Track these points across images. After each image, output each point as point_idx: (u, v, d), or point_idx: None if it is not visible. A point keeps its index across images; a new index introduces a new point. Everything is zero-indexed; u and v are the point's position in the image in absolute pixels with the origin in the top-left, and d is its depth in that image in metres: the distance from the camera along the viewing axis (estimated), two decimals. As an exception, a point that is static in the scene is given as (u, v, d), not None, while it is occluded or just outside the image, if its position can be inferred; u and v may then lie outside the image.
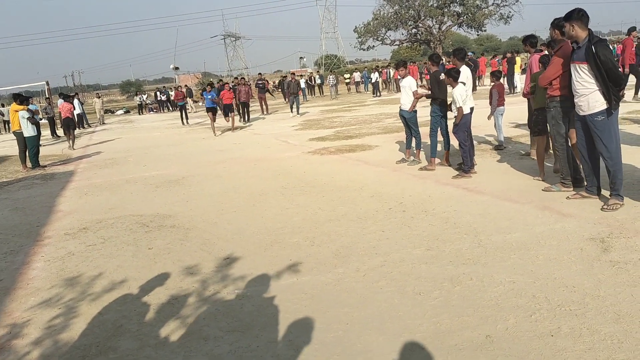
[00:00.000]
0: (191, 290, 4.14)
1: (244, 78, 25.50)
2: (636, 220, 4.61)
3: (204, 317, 3.64)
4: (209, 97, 18.07)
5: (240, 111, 21.31)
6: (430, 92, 7.85)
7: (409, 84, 8.32)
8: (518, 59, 21.06)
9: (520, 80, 19.91)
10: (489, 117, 8.97)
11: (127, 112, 41.30)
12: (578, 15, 4.95)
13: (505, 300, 3.39)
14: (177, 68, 61.99)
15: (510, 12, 43.71)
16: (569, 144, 5.78)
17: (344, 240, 4.99)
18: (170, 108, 37.13)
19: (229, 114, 18.07)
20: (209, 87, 19.31)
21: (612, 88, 4.82)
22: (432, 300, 3.52)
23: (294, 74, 27.78)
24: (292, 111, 21.20)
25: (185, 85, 37.79)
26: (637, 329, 2.86)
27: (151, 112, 36.74)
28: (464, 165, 7.26)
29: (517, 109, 12.71)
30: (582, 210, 5.09)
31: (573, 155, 5.81)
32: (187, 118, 22.77)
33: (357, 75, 37.65)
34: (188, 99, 33.42)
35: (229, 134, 16.71)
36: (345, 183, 7.54)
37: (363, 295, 3.72)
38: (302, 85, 32.33)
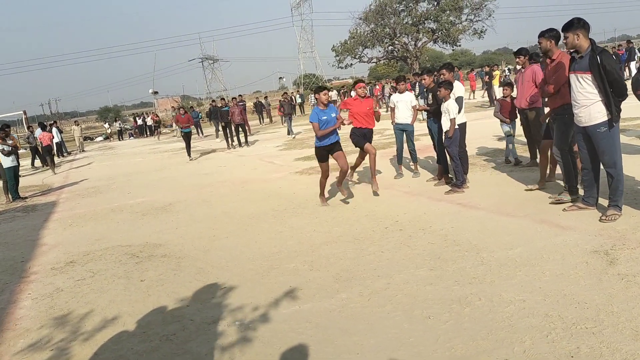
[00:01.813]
0: (189, 324, 3.96)
1: (235, 98, 22.30)
2: (636, 230, 4.58)
3: (206, 353, 3.47)
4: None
5: (233, 134, 18.54)
6: (429, 106, 7.84)
7: (409, 99, 8.40)
8: (496, 73, 21.35)
9: (499, 93, 20.14)
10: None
11: (106, 138, 40.85)
12: (581, 24, 4.87)
13: (518, 321, 3.30)
14: (156, 92, 61.60)
15: (483, 26, 44.54)
16: (572, 153, 5.76)
17: (343, 263, 4.87)
18: (148, 133, 36.81)
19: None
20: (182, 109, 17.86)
21: (614, 99, 4.80)
22: (443, 324, 3.41)
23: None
24: (289, 134, 20.12)
25: (153, 112, 37.60)
26: (658, 346, 2.79)
27: (131, 138, 36.40)
28: (457, 180, 7.23)
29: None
30: (580, 222, 5.05)
31: (574, 164, 5.80)
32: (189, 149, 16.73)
33: (333, 94, 37.72)
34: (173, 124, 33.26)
35: (213, 157, 16.53)
36: (337, 202, 7.43)
37: (370, 322, 3.60)
38: (299, 99, 32.50)
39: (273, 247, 5.67)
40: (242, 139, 18.79)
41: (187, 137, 16.44)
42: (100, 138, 41.62)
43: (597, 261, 4.05)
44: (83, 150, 28.67)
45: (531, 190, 6.48)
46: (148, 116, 35.29)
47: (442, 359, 3.00)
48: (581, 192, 5.54)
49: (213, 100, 21.39)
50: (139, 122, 36.82)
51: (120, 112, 72.85)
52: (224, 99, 20.72)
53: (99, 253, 6.34)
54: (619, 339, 2.92)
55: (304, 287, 4.38)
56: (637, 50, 24.46)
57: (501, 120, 8.49)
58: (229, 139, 18.61)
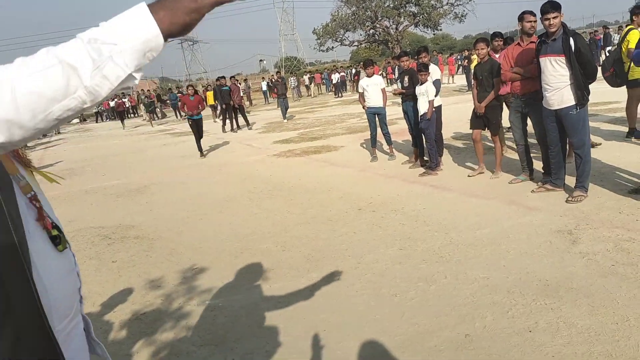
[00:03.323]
0: (159, 304, 3.98)
1: (233, 77, 19.82)
2: (601, 210, 4.71)
3: (174, 332, 3.49)
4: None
5: (230, 116, 17.31)
6: (405, 89, 7.83)
7: (378, 81, 8.42)
8: (474, 57, 21.47)
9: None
10: None
11: (83, 120, 40.10)
12: (559, 5, 4.87)
13: (481, 297, 3.39)
14: (133, 74, 60.38)
15: (464, 11, 44.71)
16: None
17: (315, 243, 4.91)
18: (131, 115, 36.29)
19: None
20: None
21: (586, 81, 4.88)
22: (409, 301, 3.48)
23: (231, 77, 19.79)
24: (285, 118, 18.49)
25: (137, 92, 36.45)
26: (612, 320, 2.89)
27: (108, 120, 35.83)
28: (431, 162, 7.30)
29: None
30: (547, 203, 5.17)
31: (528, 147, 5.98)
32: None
33: (306, 78, 37.37)
34: (141, 105, 32.54)
35: (191, 139, 16.37)
36: (313, 185, 7.46)
37: (338, 300, 3.65)
38: (293, 83, 31.58)
39: (247, 228, 5.69)
40: (242, 122, 17.56)
41: (197, 126, 12.02)
42: (76, 120, 40.83)
43: (560, 240, 4.15)
44: (58, 132, 28.10)
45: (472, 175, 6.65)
46: (125, 97, 34.56)
47: (405, 335, 3.07)
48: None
49: (218, 79, 18.14)
50: (112, 103, 36.04)
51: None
52: (223, 78, 17.87)
53: (71, 234, 6.27)
54: (575, 314, 3.02)
55: (276, 267, 4.42)
56: (613, 36, 24.78)
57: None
58: (232, 121, 17.21)
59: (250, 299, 3.85)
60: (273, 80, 38.37)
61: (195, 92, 12.78)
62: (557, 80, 4.97)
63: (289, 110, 19.47)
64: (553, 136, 5.26)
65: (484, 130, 6.56)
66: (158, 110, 29.85)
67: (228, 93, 17.12)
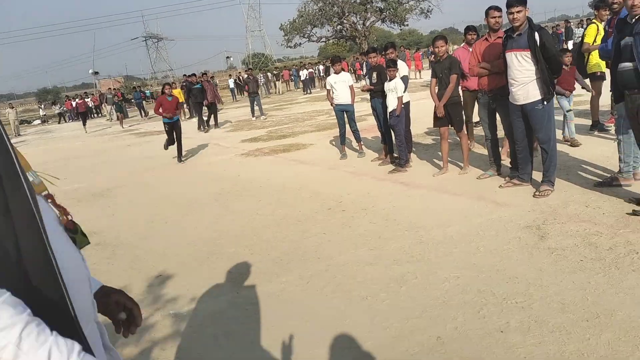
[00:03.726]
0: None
1: (205, 74, 19.60)
2: (567, 205, 4.73)
3: (137, 347, 3.33)
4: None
5: (201, 115, 16.58)
6: (373, 86, 7.76)
7: (346, 78, 8.33)
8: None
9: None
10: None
11: (44, 121, 38.90)
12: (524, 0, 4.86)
13: (452, 297, 3.34)
14: (96, 73, 58.91)
15: (429, 6, 45.03)
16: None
17: (284, 246, 4.80)
18: (95, 114, 35.42)
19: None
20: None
21: (551, 76, 4.90)
22: (380, 304, 3.40)
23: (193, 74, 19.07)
24: (253, 116, 17.83)
25: (99, 91, 35.48)
26: (582, 317, 2.88)
27: (71, 121, 34.80)
28: (400, 159, 7.27)
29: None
30: (515, 198, 5.18)
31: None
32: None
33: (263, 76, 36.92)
34: (104, 104, 31.64)
35: (155, 139, 15.98)
36: (282, 185, 7.33)
37: (309, 305, 3.55)
38: (261, 80, 30.66)
39: (213, 232, 5.53)
40: (212, 121, 16.71)
41: (173, 130, 10.53)
42: (38, 121, 39.58)
43: (529, 236, 4.15)
44: (19, 135, 27.17)
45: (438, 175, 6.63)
46: (87, 97, 33.66)
47: (377, 340, 2.99)
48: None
49: (189, 77, 17.56)
50: (73, 103, 35.06)
51: (60, 93, 69.60)
52: (194, 75, 17.41)
53: (28, 243, 6.00)
54: (546, 312, 2.99)
55: (244, 272, 4.29)
56: (574, 30, 25.37)
57: (558, 93, 6.73)
58: (203, 120, 16.38)
59: (216, 307, 3.71)
60: (241, 77, 38.04)
61: (172, 92, 11.09)
62: (522, 75, 4.98)
63: (231, 109, 19.19)
64: (519, 132, 5.28)
65: (449, 127, 6.53)
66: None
67: (200, 91, 16.51)
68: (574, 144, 6.92)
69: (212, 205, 6.71)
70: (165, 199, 7.44)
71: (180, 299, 3.95)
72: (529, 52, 4.87)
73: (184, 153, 11.05)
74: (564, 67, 6.65)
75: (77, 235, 1.22)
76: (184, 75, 27.57)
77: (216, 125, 16.71)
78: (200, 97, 16.45)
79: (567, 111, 7.12)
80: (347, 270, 4.03)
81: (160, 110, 10.45)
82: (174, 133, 10.53)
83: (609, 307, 2.94)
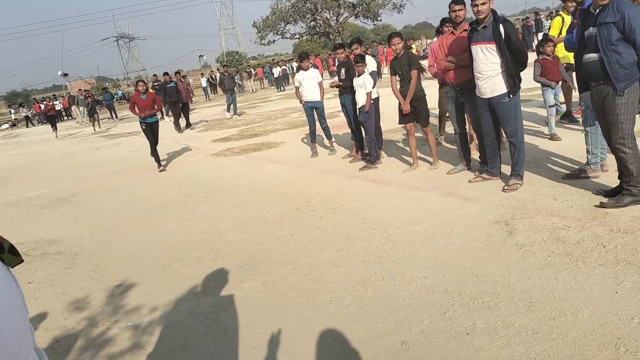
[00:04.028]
0: (77, 329, 3.61)
1: (178, 73, 18.65)
2: (536, 199, 4.69)
3: (90, 362, 3.15)
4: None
5: (178, 115, 16.11)
6: (341, 82, 7.63)
7: (314, 75, 8.21)
8: (414, 46, 21.72)
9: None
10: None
11: (13, 125, 37.85)
12: None
13: (418, 299, 3.24)
14: (66, 74, 57.61)
15: (402, 1, 45.16)
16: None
17: (250, 249, 4.65)
18: (65, 117, 34.73)
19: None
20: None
21: (516, 68, 4.83)
22: (345, 309, 3.29)
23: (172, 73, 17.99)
24: (228, 112, 17.51)
25: (68, 93, 34.65)
26: (549, 316, 2.80)
27: (40, 124, 33.92)
28: (370, 156, 7.17)
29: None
30: (484, 193, 5.12)
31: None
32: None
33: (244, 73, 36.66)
34: (74, 107, 30.88)
35: (125, 141, 15.61)
36: (251, 185, 7.17)
37: (272, 312, 3.42)
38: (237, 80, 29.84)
39: (178, 237, 5.35)
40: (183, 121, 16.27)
41: (152, 131, 9.55)
42: (5, 125, 38.48)
43: (497, 232, 4.08)
44: (-16, 140, 26.37)
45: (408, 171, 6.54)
46: (57, 100, 32.86)
47: (340, 347, 2.87)
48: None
49: (163, 75, 16.88)
50: (42, 106, 34.20)
51: (30, 96, 67.87)
52: (167, 74, 16.65)
53: (-16, 255, 5.73)
54: (513, 312, 2.91)
55: (207, 279, 4.13)
56: (544, 22, 25.66)
57: (544, 85, 6.71)
58: (178, 120, 15.90)
59: (175, 317, 3.55)
60: (213, 76, 37.58)
61: (147, 89, 9.94)
62: (488, 68, 4.91)
63: (203, 108, 18.55)
64: (487, 125, 5.22)
65: (415, 122, 6.45)
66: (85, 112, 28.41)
67: (175, 90, 16.09)
68: (553, 138, 6.76)
69: (178, 208, 6.51)
70: (130, 203, 7.21)
71: (140, 310, 3.78)
72: (494, 45, 4.80)
73: (136, 149, 10.60)
74: (546, 57, 6.69)
75: (4, 255, 1.08)
76: (154, 75, 26.88)
77: (188, 125, 16.36)
78: (175, 96, 16.05)
79: (550, 106, 6.78)
80: (312, 273, 3.90)
81: (136, 109, 9.44)
82: (153, 133, 9.53)
83: (576, 305, 2.87)
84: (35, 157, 15.09)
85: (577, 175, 5.03)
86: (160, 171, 9.25)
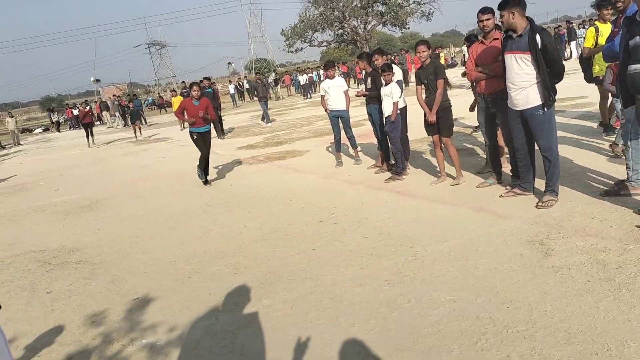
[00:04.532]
0: (92, 346, 3.51)
1: (208, 79, 16.92)
2: (572, 217, 4.42)
3: (102, 381, 3.04)
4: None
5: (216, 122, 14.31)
6: (368, 91, 7.48)
7: (340, 84, 8.09)
8: (442, 54, 21.41)
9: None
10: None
11: (45, 129, 38.83)
12: (516, 2, 4.56)
13: (447, 325, 3.03)
14: (98, 80, 58.91)
15: (430, 9, 44.79)
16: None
17: (271, 263, 4.50)
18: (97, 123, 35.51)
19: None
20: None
21: (552, 80, 4.59)
22: (368, 333, 3.10)
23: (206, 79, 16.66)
24: (264, 121, 17.01)
25: (100, 99, 35.26)
26: (591, 350, 2.57)
27: (72, 129, 34.68)
28: (397, 167, 6.97)
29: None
30: (517, 209, 4.87)
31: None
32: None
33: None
34: (104, 112, 31.43)
35: (152, 147, 15.72)
36: (274, 195, 7.05)
37: (291, 333, 3.25)
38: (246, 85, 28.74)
39: (199, 247, 5.25)
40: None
41: (203, 141, 8.47)
42: (39, 130, 39.50)
43: (532, 252, 3.84)
44: (19, 144, 27.04)
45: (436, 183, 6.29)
46: (87, 106, 33.46)
47: (362, 376, 2.69)
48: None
49: (201, 81, 15.19)
50: (75, 112, 34.95)
51: (64, 101, 69.65)
52: (208, 79, 15.59)
53: (7, 261, 5.74)
54: (551, 344, 2.69)
55: (225, 295, 3.99)
56: (576, 30, 25.02)
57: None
58: (217, 127, 15.01)
59: (192, 336, 3.42)
60: (241, 83, 37.87)
61: (200, 94, 8.51)
62: (522, 79, 4.66)
63: (231, 114, 17.85)
64: (519, 139, 4.97)
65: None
66: (119, 117, 28.86)
67: (212, 96, 15.09)
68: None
69: (200, 217, 6.43)
70: (153, 211, 7.16)
71: (156, 326, 3.66)
72: (529, 55, 4.56)
73: (160, 156, 10.17)
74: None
75: None
76: (182, 82, 27.01)
77: (221, 133, 15.49)
78: (213, 103, 14.91)
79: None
80: (334, 292, 3.73)
81: (185, 115, 8.31)
82: (206, 146, 8.45)
83: (620, 338, 2.63)
84: (65, 162, 15.32)
85: (616, 192, 4.74)
86: (204, 184, 8.39)
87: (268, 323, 3.43)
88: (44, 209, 8.42)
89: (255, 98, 21.33)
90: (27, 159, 18.34)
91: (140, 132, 20.25)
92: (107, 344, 3.51)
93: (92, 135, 19.23)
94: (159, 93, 44.04)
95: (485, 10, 5.29)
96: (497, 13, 5.16)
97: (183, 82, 23.54)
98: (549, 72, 4.55)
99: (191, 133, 8.53)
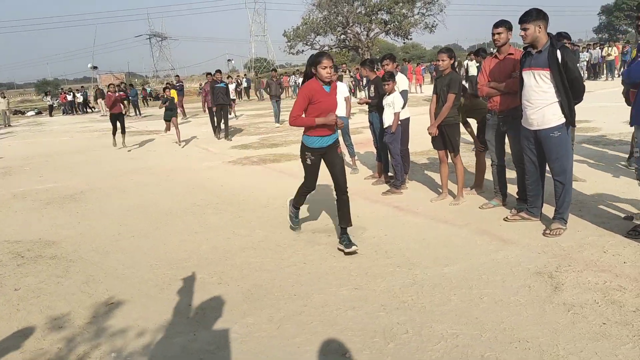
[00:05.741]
0: (53, 354, 3.18)
1: (210, 74, 15.02)
2: (583, 248, 4.15)
3: (61, 400, 2.72)
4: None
5: (221, 120, 13.97)
6: (370, 99, 7.21)
7: (341, 89, 7.83)
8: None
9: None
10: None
11: (38, 113, 38.25)
12: (541, 15, 4.29)
13: (449, 363, 2.74)
14: (95, 67, 58.19)
15: (434, 21, 44.72)
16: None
17: (258, 276, 4.19)
18: (87, 110, 35.20)
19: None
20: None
21: (572, 100, 4.33)
22: (361, 365, 2.81)
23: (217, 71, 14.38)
24: (276, 121, 16.45)
25: (97, 86, 34.81)
26: (612, 408, 2.29)
27: (66, 115, 34.14)
28: (395, 180, 6.69)
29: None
30: (523, 235, 4.60)
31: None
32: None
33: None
34: (99, 100, 30.92)
35: (142, 139, 15.35)
36: (266, 199, 6.74)
37: (276, 357, 2.95)
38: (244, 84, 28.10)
39: (182, 251, 4.92)
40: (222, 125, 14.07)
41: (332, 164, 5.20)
42: (31, 112, 38.88)
43: (540, 285, 3.57)
44: (9, 125, 26.49)
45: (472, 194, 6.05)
46: (79, 93, 33.06)
47: (353, 419, 2.39)
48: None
49: (214, 74, 14.01)
50: (69, 97, 34.48)
51: (60, 85, 68.82)
52: (219, 72, 14.00)
53: (-23, 251, 5.38)
54: (565, 395, 2.41)
55: (207, 307, 3.68)
56: (579, 54, 24.92)
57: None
58: (221, 126, 14.01)
59: (166, 352, 3.10)
60: (239, 80, 37.52)
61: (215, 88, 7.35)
62: (539, 97, 4.39)
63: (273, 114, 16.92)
64: (530, 164, 4.69)
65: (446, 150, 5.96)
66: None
67: (225, 91, 13.80)
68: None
69: (187, 218, 6.11)
70: (138, 207, 6.82)
71: (128, 336, 3.35)
72: (549, 72, 4.30)
73: (152, 150, 10.19)
74: None
75: None
76: (176, 76, 26.67)
77: (227, 134, 13.95)
78: (224, 98, 13.67)
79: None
80: (325, 314, 3.43)
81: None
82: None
83: (645, 395, 2.36)
84: (52, 147, 14.93)
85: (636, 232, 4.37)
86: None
87: (251, 344, 3.12)
88: (25, 196, 8.05)
89: (266, 97, 20.30)
90: (15, 142, 17.90)
91: (179, 135, 15.40)
92: (70, 352, 3.18)
93: (123, 132, 13.61)
94: (150, 88, 43.36)
95: (498, 24, 5.05)
96: (513, 26, 4.94)
97: (177, 75, 22.96)
98: (569, 91, 4.28)
99: (305, 152, 4.87)
